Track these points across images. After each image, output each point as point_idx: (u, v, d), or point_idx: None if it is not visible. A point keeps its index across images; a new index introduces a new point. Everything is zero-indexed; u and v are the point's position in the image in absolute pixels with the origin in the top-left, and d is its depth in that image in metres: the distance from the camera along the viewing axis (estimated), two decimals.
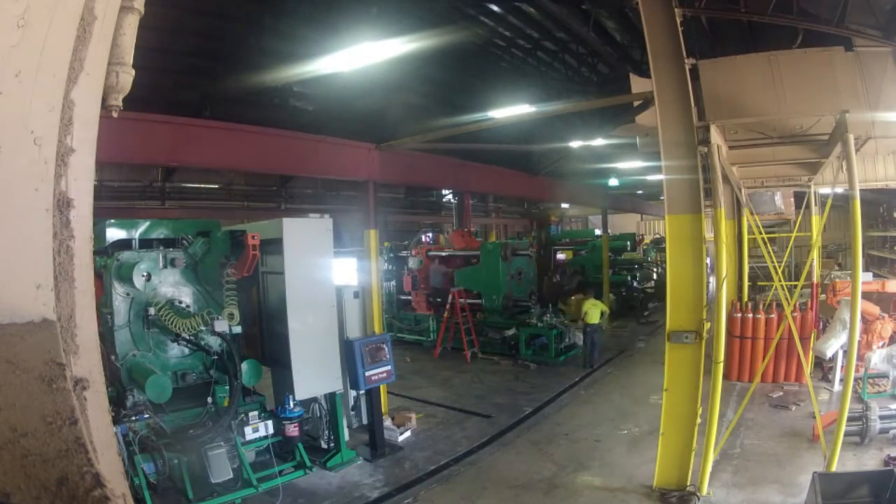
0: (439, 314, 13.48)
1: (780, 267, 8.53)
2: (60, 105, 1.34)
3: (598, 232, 21.51)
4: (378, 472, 6.84)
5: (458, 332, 12.72)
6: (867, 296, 8.45)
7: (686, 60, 5.79)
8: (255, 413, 6.27)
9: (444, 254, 14.58)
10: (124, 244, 6.22)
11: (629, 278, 19.08)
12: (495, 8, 11.97)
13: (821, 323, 9.81)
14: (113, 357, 5.75)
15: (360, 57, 7.37)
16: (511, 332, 12.60)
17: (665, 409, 5.87)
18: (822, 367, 9.71)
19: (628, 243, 21.39)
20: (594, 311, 11.47)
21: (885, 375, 8.29)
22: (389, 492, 6.33)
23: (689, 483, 5.78)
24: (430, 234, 19.11)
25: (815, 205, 9.45)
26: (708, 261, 6.31)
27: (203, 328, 6.00)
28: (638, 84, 7.49)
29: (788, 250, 11.20)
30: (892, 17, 6.66)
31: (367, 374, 6.94)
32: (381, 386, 7.45)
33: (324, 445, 7.09)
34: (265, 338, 7.10)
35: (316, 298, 6.68)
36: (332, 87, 12.38)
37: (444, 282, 13.87)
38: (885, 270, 17.35)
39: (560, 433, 7.91)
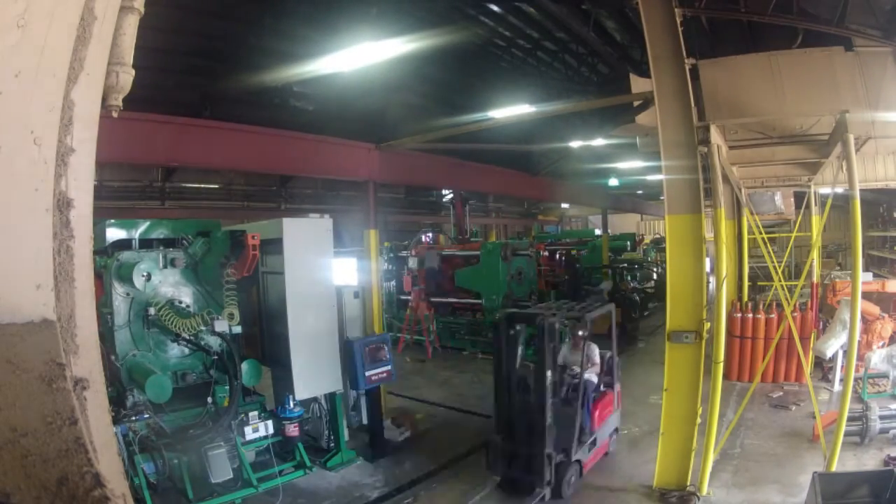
0: (440, 314, 13.58)
1: (780, 267, 8.54)
2: (60, 105, 1.34)
3: (598, 232, 21.52)
4: (378, 472, 6.84)
5: (451, 329, 13.02)
6: (867, 296, 8.45)
7: (686, 60, 5.79)
8: (255, 413, 6.27)
9: (444, 253, 14.58)
10: (124, 244, 6.22)
11: (629, 278, 19.07)
12: (495, 8, 11.97)
13: (821, 323, 9.82)
14: (113, 357, 5.75)
15: (360, 57, 7.37)
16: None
17: (665, 409, 5.87)
18: (822, 367, 9.71)
19: (628, 243, 21.40)
20: None
21: (885, 375, 8.29)
22: (389, 492, 6.33)
23: (689, 483, 5.78)
24: (430, 234, 19.11)
25: (815, 205, 9.45)
26: (708, 261, 6.32)
27: (203, 328, 6.00)
28: (638, 84, 7.49)
29: (788, 250, 11.20)
30: (892, 17, 6.66)
31: (367, 374, 6.93)
32: (381, 386, 7.46)
33: (324, 445, 7.09)
34: (265, 338, 7.10)
35: (316, 298, 6.67)
36: (332, 87, 12.38)
37: (445, 282, 13.88)
38: (885, 270, 17.35)
39: None
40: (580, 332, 6.59)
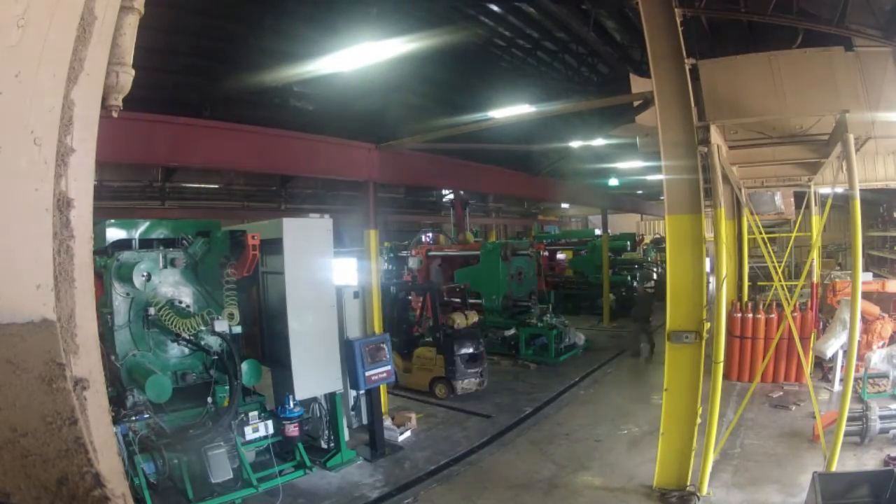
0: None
1: (780, 267, 8.54)
2: (60, 105, 1.34)
3: (598, 232, 21.51)
4: (378, 472, 6.84)
5: None
6: (867, 296, 8.45)
7: (686, 60, 5.78)
8: (255, 413, 6.27)
9: (444, 253, 14.59)
10: (124, 244, 6.22)
11: (629, 278, 19.07)
12: (495, 8, 11.98)
13: (821, 323, 9.82)
14: (113, 357, 5.74)
15: (360, 57, 7.37)
16: (511, 332, 12.61)
17: (665, 409, 5.87)
18: (822, 367, 9.70)
19: (628, 243, 21.39)
20: None
21: (885, 375, 8.29)
22: (389, 492, 6.33)
23: (689, 483, 5.78)
24: (430, 234, 19.12)
25: (815, 205, 9.44)
26: (708, 261, 6.32)
27: (203, 328, 6.00)
28: (638, 84, 7.50)
29: (788, 250, 11.19)
30: (892, 17, 6.66)
31: (367, 374, 6.93)
32: (381, 386, 7.46)
33: (324, 445, 7.09)
34: (265, 338, 7.10)
35: (316, 298, 6.67)
36: (332, 87, 12.38)
37: (445, 282, 13.88)
38: (885, 270, 17.35)
39: (560, 433, 7.91)
40: None
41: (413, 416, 8.33)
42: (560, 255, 21.07)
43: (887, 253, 19.29)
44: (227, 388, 6.11)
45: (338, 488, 6.43)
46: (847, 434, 5.94)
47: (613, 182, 19.73)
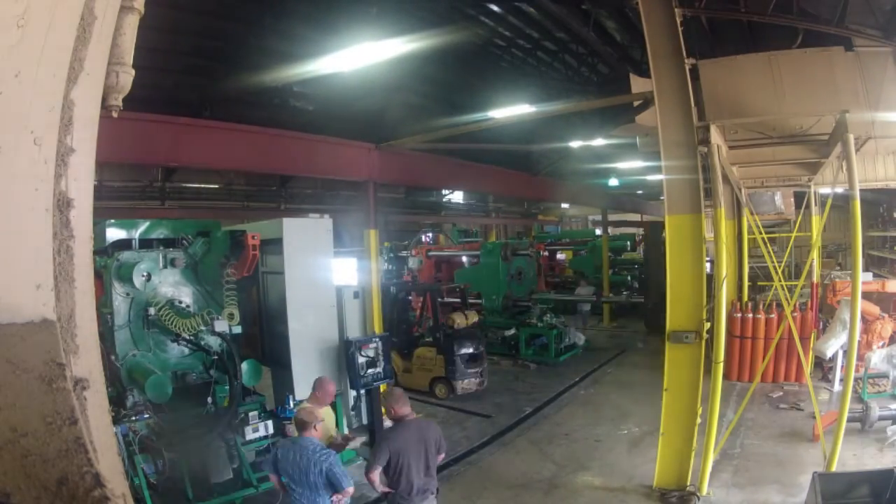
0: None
1: (780, 267, 8.54)
2: (60, 105, 1.34)
3: (598, 232, 21.52)
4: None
5: None
6: (867, 296, 8.44)
7: (686, 60, 5.79)
8: (255, 413, 6.26)
9: (444, 253, 14.60)
10: (124, 244, 6.21)
11: (629, 278, 19.08)
12: (495, 8, 11.96)
13: (821, 323, 9.81)
14: (113, 357, 5.74)
15: (360, 57, 7.37)
16: (511, 332, 12.61)
17: (665, 409, 5.87)
18: (822, 367, 9.70)
19: (628, 243, 21.40)
20: None
21: (885, 375, 8.29)
22: None
23: (689, 483, 5.78)
24: (430, 234, 19.12)
25: (815, 205, 9.44)
26: (707, 261, 6.32)
27: (203, 328, 5.99)
28: (638, 84, 7.49)
29: (788, 250, 11.18)
30: (892, 17, 6.66)
31: (366, 374, 6.91)
32: (381, 385, 7.44)
33: None
34: (265, 338, 7.09)
35: (316, 298, 6.67)
36: (332, 87, 12.36)
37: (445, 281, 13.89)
38: (885, 270, 17.34)
39: (560, 433, 7.91)
40: None
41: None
42: (560, 255, 21.08)
43: (887, 253, 19.28)
44: (227, 388, 6.10)
45: None
46: (847, 434, 5.93)
47: (613, 182, 19.74)
